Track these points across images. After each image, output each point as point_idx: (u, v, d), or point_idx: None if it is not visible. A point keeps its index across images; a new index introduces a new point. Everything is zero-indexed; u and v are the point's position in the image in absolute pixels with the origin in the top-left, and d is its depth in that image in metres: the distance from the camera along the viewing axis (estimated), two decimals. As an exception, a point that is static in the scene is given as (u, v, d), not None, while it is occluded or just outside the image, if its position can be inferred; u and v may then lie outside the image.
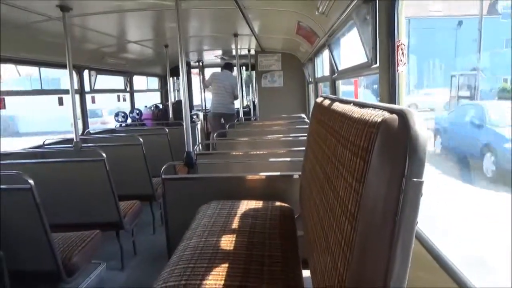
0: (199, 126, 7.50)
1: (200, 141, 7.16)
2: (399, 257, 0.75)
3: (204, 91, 7.64)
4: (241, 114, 5.52)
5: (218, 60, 7.94)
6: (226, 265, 1.55)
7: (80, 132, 4.79)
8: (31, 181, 2.14)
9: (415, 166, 0.72)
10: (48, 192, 2.72)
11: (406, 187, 0.72)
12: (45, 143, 4.15)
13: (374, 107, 0.96)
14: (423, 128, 0.74)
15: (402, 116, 0.77)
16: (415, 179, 0.72)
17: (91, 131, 5.13)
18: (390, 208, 0.74)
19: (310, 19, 3.44)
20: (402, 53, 1.57)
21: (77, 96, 4.59)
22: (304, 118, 5.29)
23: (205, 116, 7.69)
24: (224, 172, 2.94)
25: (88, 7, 3.13)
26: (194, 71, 8.91)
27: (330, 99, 1.71)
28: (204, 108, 7.84)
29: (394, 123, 0.77)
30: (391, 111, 0.83)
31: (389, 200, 0.74)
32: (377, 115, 0.87)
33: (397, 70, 1.61)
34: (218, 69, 7.34)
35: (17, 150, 3.70)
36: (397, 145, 0.75)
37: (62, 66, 3.53)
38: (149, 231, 4.11)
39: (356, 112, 1.06)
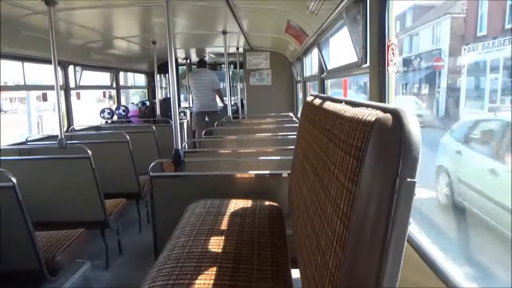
0: (185, 124, 7.46)
1: (187, 139, 7.12)
2: (391, 257, 0.74)
3: (189, 88, 7.60)
4: (229, 112, 5.50)
5: (206, 58, 7.89)
6: (215, 264, 1.54)
7: (65, 128, 4.71)
8: (13, 179, 2.09)
9: (408, 165, 0.72)
10: (32, 190, 2.66)
11: (399, 187, 0.72)
12: (28, 139, 4.05)
13: (367, 106, 0.95)
14: (416, 128, 0.74)
15: (396, 115, 0.76)
16: (408, 179, 0.71)
17: (76, 128, 5.04)
18: (383, 208, 0.74)
19: (300, 18, 3.43)
20: (393, 53, 1.58)
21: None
22: (292, 116, 5.30)
23: (191, 114, 7.65)
24: (212, 170, 2.91)
25: (74, 2, 3.06)
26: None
27: (321, 97, 1.71)
28: (190, 106, 7.79)
29: (388, 122, 0.77)
30: (385, 110, 0.82)
31: (382, 200, 0.74)
32: (370, 114, 0.86)
33: (387, 70, 1.62)
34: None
35: None
36: (391, 145, 0.74)
37: (47, 61, 3.45)
38: (135, 229, 4.06)
39: (348, 111, 1.05)
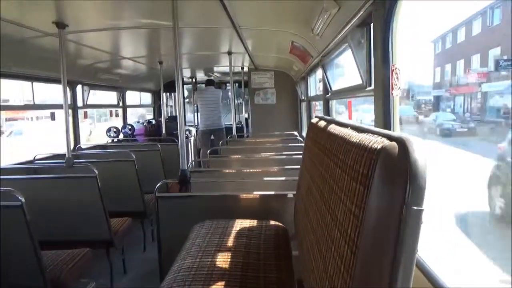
0: (191, 143, 7.50)
1: (193, 157, 7.15)
2: (400, 284, 0.75)
3: (196, 107, 7.68)
4: (234, 131, 5.54)
5: (212, 77, 8.01)
6: (221, 286, 1.53)
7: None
8: (22, 198, 2.11)
9: (415, 194, 0.73)
10: (39, 209, 2.68)
11: (406, 215, 0.73)
12: (36, 158, 4.09)
13: (373, 132, 0.97)
14: (423, 156, 0.75)
15: (402, 143, 0.78)
16: (415, 207, 0.73)
17: (82, 146, 5.08)
18: (391, 236, 0.75)
19: (304, 39, 3.49)
20: (397, 77, 1.60)
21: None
22: (296, 136, 5.32)
23: (197, 132, 7.70)
24: (217, 190, 2.92)
25: (84, 24, 3.14)
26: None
27: (326, 120, 1.73)
28: (196, 123, 7.84)
29: (394, 151, 0.79)
30: (390, 138, 0.84)
31: (390, 228, 0.75)
32: (376, 142, 0.88)
33: (392, 94, 1.64)
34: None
35: (8, 166, 3.64)
36: (397, 173, 0.76)
37: (56, 81, 3.52)
38: (140, 248, 4.04)
39: (354, 136, 1.07)
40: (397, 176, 0.75)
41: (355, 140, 1.03)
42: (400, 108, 1.70)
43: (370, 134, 0.97)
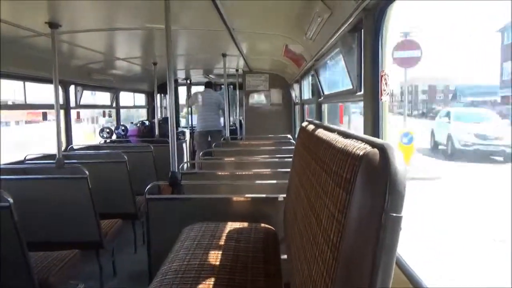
0: (186, 144, 7.49)
1: (188, 159, 7.14)
2: None
3: (190, 109, 7.66)
4: (227, 133, 5.54)
5: (206, 79, 8.01)
6: None
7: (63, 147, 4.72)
8: (10, 199, 2.09)
9: (394, 201, 0.73)
10: (28, 210, 2.66)
11: (385, 221, 0.74)
12: (27, 158, 4.07)
13: (357, 138, 0.98)
14: (402, 164, 0.76)
15: (383, 151, 0.79)
16: (394, 214, 0.73)
17: (74, 147, 5.05)
18: (371, 242, 0.75)
19: (297, 43, 3.51)
20: (386, 83, 1.62)
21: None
22: (290, 139, 5.33)
23: (191, 134, 7.68)
24: (209, 192, 2.92)
25: (77, 25, 3.13)
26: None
27: (314, 124, 1.74)
28: (190, 125, 7.83)
29: (375, 157, 0.79)
30: (373, 144, 0.85)
31: (370, 234, 0.76)
32: (359, 148, 0.89)
33: (381, 99, 1.66)
34: (202, 88, 7.38)
35: None
36: (377, 180, 0.77)
37: (48, 81, 3.50)
38: (131, 250, 4.02)
39: (340, 142, 1.08)
40: (378, 182, 0.76)
41: (340, 146, 1.04)
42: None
43: (354, 140, 0.98)
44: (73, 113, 5.13)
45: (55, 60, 3.14)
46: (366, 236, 0.77)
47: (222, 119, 6.88)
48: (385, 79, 1.62)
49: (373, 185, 0.78)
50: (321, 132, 1.42)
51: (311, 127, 1.75)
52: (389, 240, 0.74)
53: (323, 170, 1.17)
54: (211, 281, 1.60)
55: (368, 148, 0.84)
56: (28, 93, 4.17)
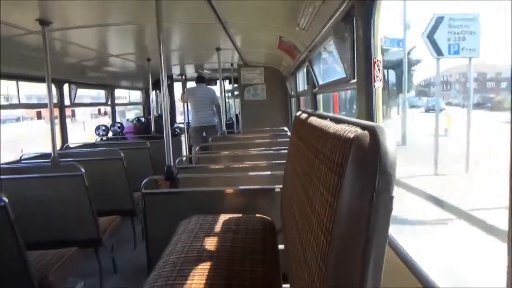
0: (183, 139, 7.47)
1: (186, 154, 7.13)
2: (372, 271, 0.76)
3: (186, 105, 7.63)
4: (224, 127, 5.53)
5: (202, 74, 7.98)
6: (207, 281, 1.53)
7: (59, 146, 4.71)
8: (5, 199, 2.09)
9: (385, 181, 0.73)
10: (24, 209, 2.65)
11: (377, 202, 0.73)
12: (22, 157, 4.05)
13: (349, 123, 0.98)
14: (393, 145, 0.76)
15: (373, 132, 0.79)
16: (385, 194, 0.73)
17: (70, 145, 5.04)
18: (363, 223, 0.75)
19: (291, 34, 3.50)
20: (378, 69, 1.62)
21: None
22: (286, 131, 5.33)
23: (187, 129, 7.67)
24: (206, 185, 2.92)
25: (68, 21, 3.10)
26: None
27: (308, 113, 1.74)
28: (187, 121, 7.81)
29: (366, 139, 0.79)
30: (363, 127, 0.84)
31: (361, 215, 0.76)
32: (350, 131, 0.88)
33: (374, 86, 1.66)
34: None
35: None
36: (368, 161, 0.76)
37: (42, 79, 3.49)
38: (130, 246, 4.03)
39: (332, 127, 1.08)
40: (368, 163, 0.76)
41: (332, 131, 1.04)
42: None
43: (346, 124, 0.98)
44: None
45: (47, 57, 3.12)
46: (358, 218, 0.77)
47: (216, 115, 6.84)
48: (378, 65, 1.62)
49: (364, 167, 0.77)
50: (313, 120, 1.42)
51: (304, 115, 1.75)
52: (382, 220, 0.74)
53: (316, 157, 1.17)
54: (209, 272, 1.60)
55: (359, 130, 0.84)
56: (26, 91, 4.15)
